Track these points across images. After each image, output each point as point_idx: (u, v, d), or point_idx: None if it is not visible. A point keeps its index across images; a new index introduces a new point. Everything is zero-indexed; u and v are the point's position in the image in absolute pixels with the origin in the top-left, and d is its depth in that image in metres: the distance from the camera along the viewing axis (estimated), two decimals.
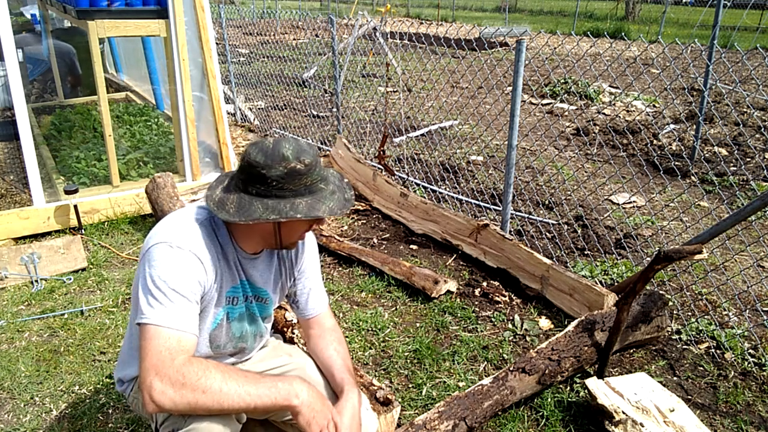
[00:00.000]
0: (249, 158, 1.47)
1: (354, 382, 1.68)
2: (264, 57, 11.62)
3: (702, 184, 5.00)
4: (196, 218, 1.57)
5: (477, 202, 4.54)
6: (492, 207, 4.40)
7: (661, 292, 3.02)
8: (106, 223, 4.09)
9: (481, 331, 2.97)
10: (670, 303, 3.10)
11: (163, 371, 1.35)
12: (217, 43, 4.96)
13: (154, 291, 1.42)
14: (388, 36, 9.54)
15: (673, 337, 2.90)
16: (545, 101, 8.16)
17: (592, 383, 2.32)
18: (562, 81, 8.76)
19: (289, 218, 1.46)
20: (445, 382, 2.57)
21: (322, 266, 3.57)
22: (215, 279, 1.56)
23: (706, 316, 3.04)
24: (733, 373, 2.65)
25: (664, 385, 2.45)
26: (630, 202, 4.64)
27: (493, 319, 3.06)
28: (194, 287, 1.47)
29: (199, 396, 1.35)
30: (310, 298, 1.83)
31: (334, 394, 1.70)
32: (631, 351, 2.80)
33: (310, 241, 1.84)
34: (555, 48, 9.28)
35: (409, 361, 2.72)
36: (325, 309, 1.85)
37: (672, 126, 6.63)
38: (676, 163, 5.39)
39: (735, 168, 5.30)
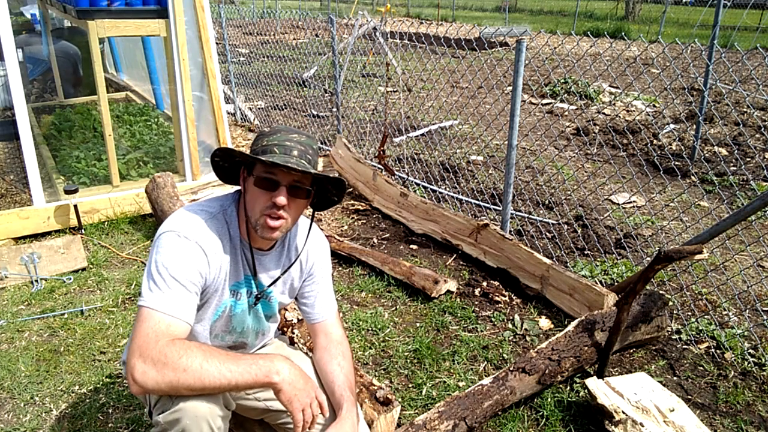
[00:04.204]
0: None
1: (354, 399, 1.66)
2: (264, 57, 11.61)
3: (702, 184, 5.00)
4: (210, 211, 1.60)
5: (477, 202, 4.54)
6: (492, 207, 4.40)
7: (661, 292, 3.02)
8: (106, 223, 4.09)
9: (481, 331, 2.97)
10: (670, 303, 3.10)
11: (146, 352, 1.37)
12: (217, 43, 4.96)
13: (156, 276, 1.46)
14: (388, 36, 9.54)
15: (673, 337, 2.90)
16: (545, 101, 8.15)
17: (592, 383, 2.32)
18: (562, 81, 8.76)
19: (228, 155, 1.61)
20: (445, 381, 2.57)
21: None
22: (219, 271, 1.58)
23: (706, 316, 3.04)
24: (733, 373, 2.65)
25: (664, 385, 2.45)
26: (630, 202, 4.64)
27: (493, 319, 3.06)
28: (194, 277, 1.50)
29: (180, 374, 1.36)
30: (317, 302, 1.81)
31: (333, 409, 1.68)
32: (631, 351, 2.80)
33: (322, 245, 1.83)
34: (555, 48, 9.28)
35: (409, 361, 2.72)
36: (332, 316, 1.83)
37: (672, 126, 6.63)
38: (676, 163, 5.39)
39: (735, 168, 5.30)
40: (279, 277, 1.72)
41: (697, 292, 3.30)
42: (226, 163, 1.67)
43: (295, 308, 2.61)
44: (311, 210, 1.79)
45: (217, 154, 1.61)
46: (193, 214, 1.58)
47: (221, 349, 1.46)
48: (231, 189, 1.71)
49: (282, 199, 1.52)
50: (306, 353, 1.91)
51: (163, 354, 1.37)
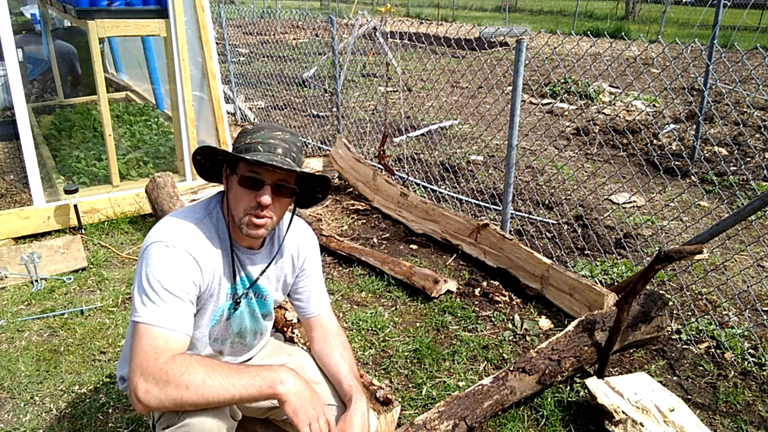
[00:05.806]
0: None
1: (361, 388, 1.67)
2: (264, 57, 11.61)
3: (702, 184, 5.00)
4: (195, 216, 1.58)
5: (477, 202, 4.54)
6: (492, 207, 4.40)
7: (661, 292, 3.02)
8: (106, 223, 4.09)
9: (481, 330, 2.97)
10: (670, 303, 3.10)
11: (147, 371, 1.36)
12: (217, 43, 4.96)
13: (148, 290, 1.44)
14: (388, 36, 9.54)
15: (673, 337, 2.90)
16: (545, 101, 8.15)
17: (592, 383, 2.32)
18: (562, 81, 8.76)
19: (210, 153, 1.58)
20: (445, 381, 2.57)
21: (322, 266, 3.57)
22: (213, 276, 1.57)
23: (706, 316, 3.04)
24: (733, 372, 2.65)
25: (664, 385, 2.45)
26: (630, 202, 4.64)
27: (493, 319, 3.06)
28: (188, 287, 1.48)
29: (183, 391, 1.35)
30: (311, 297, 1.82)
31: (341, 399, 1.70)
32: (631, 351, 2.80)
33: (311, 240, 1.83)
34: (555, 48, 9.28)
35: (409, 360, 2.72)
36: (326, 310, 1.84)
37: (672, 126, 6.63)
38: (676, 162, 5.39)
39: (735, 168, 5.30)
40: (266, 269, 1.70)
41: (697, 292, 3.30)
42: (208, 162, 1.63)
43: None
44: (293, 206, 1.78)
45: (199, 153, 1.58)
46: (179, 221, 1.55)
47: (224, 363, 1.45)
48: None
49: (267, 199, 1.50)
50: (305, 350, 1.91)
51: (164, 372, 1.35)
